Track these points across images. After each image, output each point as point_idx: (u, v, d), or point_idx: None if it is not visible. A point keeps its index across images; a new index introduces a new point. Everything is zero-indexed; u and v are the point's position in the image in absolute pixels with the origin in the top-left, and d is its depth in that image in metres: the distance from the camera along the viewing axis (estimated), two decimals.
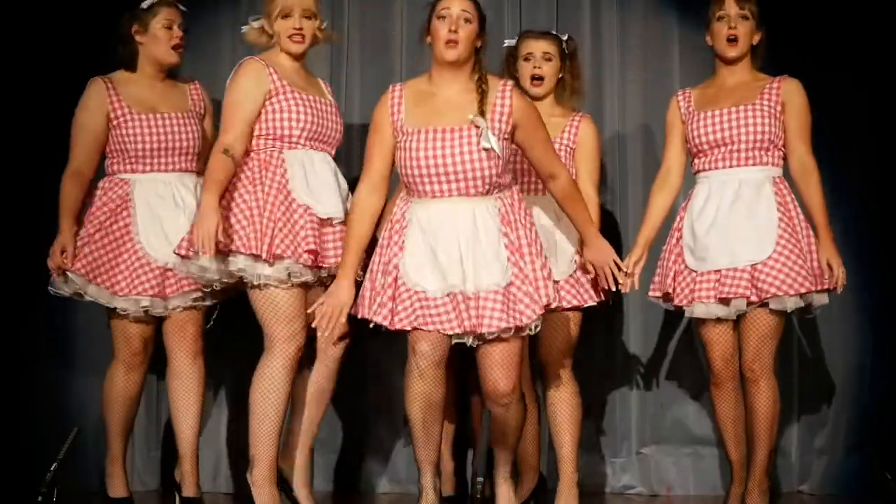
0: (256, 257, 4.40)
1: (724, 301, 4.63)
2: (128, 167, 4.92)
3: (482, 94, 4.27)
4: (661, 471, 5.62)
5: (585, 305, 4.80)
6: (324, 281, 4.55)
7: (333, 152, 4.67)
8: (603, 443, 5.60)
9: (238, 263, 4.43)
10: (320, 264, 4.47)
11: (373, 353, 5.65)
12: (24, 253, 5.40)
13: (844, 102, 5.43)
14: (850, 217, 5.42)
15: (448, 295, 4.22)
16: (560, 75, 4.93)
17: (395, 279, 4.27)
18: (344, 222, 4.49)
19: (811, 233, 4.66)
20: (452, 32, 4.26)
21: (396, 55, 5.71)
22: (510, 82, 4.38)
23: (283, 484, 4.70)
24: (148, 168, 4.90)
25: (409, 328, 4.25)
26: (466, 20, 4.28)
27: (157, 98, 4.96)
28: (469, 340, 4.27)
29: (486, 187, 4.25)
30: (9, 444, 5.38)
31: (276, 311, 4.47)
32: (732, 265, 4.61)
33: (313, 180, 4.52)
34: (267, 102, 4.52)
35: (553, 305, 4.29)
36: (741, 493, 4.80)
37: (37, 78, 5.50)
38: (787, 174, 4.75)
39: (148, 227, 4.84)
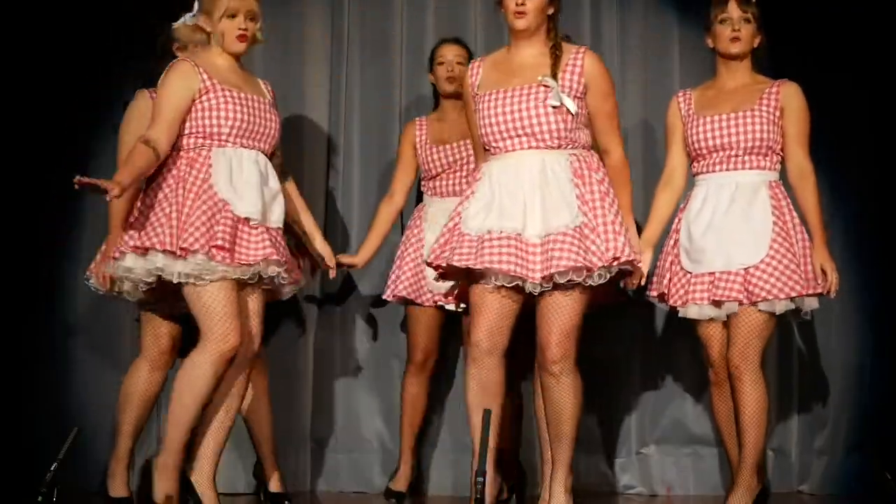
0: (171, 253, 4.37)
1: (717, 303, 4.64)
2: None
3: (556, 59, 4.39)
4: (661, 471, 5.62)
5: None
6: (265, 281, 4.50)
7: (269, 149, 4.60)
8: (603, 443, 5.60)
9: (156, 262, 4.39)
10: (236, 261, 4.41)
11: (371, 352, 5.65)
12: (25, 253, 5.41)
13: (844, 102, 5.43)
14: (850, 216, 5.43)
15: (505, 237, 4.29)
16: None
17: (456, 224, 4.41)
18: (260, 224, 4.45)
19: (806, 237, 4.66)
20: (520, 4, 4.39)
21: (396, 55, 5.71)
22: (585, 46, 4.51)
23: (189, 489, 4.59)
24: None
25: (456, 262, 4.32)
26: None
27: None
28: (530, 286, 4.29)
29: (557, 141, 4.37)
30: (9, 444, 5.38)
31: (208, 309, 4.41)
32: (726, 268, 4.62)
33: (237, 178, 4.47)
34: (196, 101, 4.48)
35: (623, 259, 4.32)
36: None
37: (38, 79, 5.49)
38: (783, 177, 4.74)
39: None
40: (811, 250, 4.63)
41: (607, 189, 4.40)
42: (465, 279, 4.46)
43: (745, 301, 4.59)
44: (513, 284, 4.32)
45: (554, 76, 4.37)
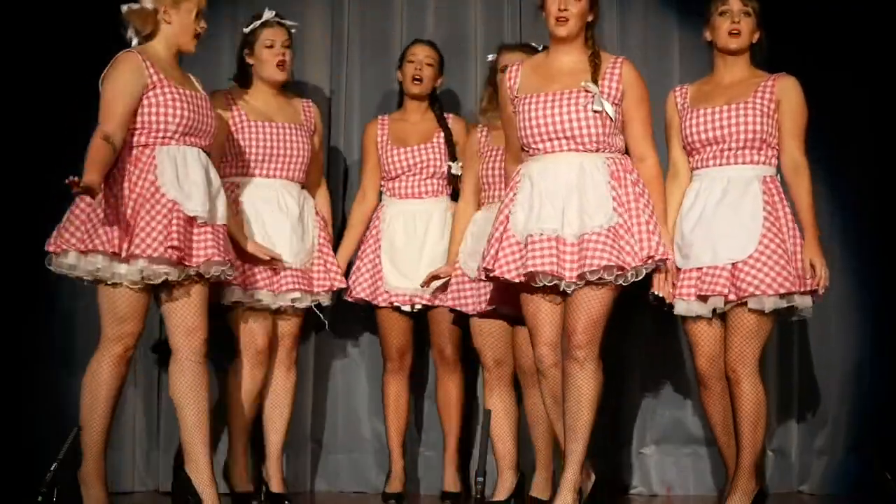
0: (115, 255, 4.44)
1: (704, 298, 4.59)
2: (236, 171, 5.06)
3: (595, 66, 4.54)
4: (661, 471, 5.62)
5: None
6: (195, 279, 4.58)
7: (209, 146, 4.68)
8: (603, 443, 5.59)
9: (97, 262, 4.46)
10: (185, 262, 4.49)
11: (370, 353, 5.65)
12: (25, 252, 5.41)
13: (844, 100, 5.42)
14: (849, 215, 5.42)
15: (545, 239, 4.44)
16: None
17: (505, 229, 4.53)
18: (207, 223, 4.53)
19: (799, 233, 4.61)
20: (562, 11, 4.51)
21: (396, 55, 5.70)
22: (623, 57, 4.65)
23: (189, 488, 4.67)
24: (257, 172, 5.07)
25: (512, 277, 4.49)
26: None
27: (273, 110, 5.13)
28: (564, 285, 4.46)
29: (595, 145, 4.52)
30: (9, 444, 5.38)
31: (112, 309, 4.51)
32: (714, 263, 4.57)
33: (183, 177, 4.52)
34: (144, 97, 4.51)
35: (657, 258, 4.46)
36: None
37: (38, 79, 5.49)
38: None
39: (251, 228, 5.00)
40: (802, 246, 4.60)
41: (642, 190, 4.52)
42: (509, 284, 4.58)
43: (732, 296, 4.54)
44: (553, 283, 4.46)
45: (595, 82, 4.50)
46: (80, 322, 5.52)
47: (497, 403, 5.06)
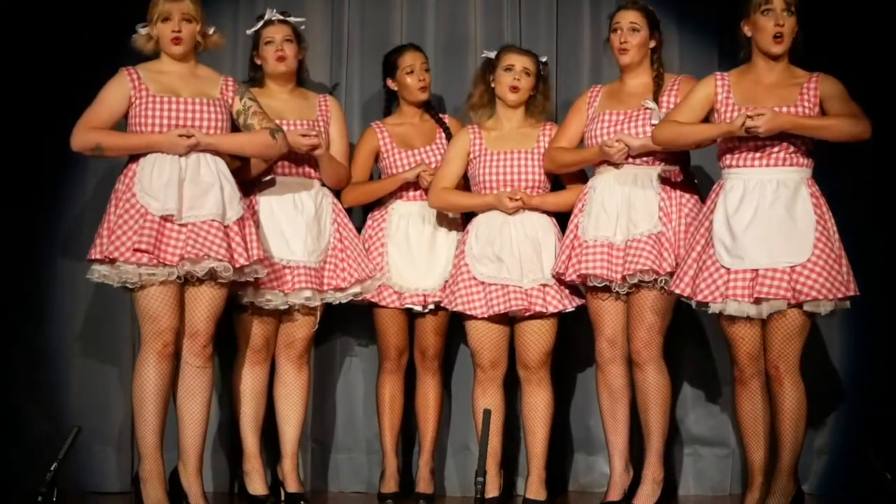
0: (105, 262, 4.61)
1: (758, 300, 4.57)
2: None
3: (658, 87, 5.01)
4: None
5: (567, 310, 5.08)
6: (209, 281, 4.68)
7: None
8: (602, 443, 5.59)
9: (101, 270, 4.65)
10: (162, 261, 4.57)
11: (371, 353, 5.64)
12: (24, 251, 5.42)
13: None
14: (850, 215, 5.40)
15: (599, 245, 4.90)
16: (532, 93, 5.20)
17: (576, 236, 4.98)
18: (178, 220, 4.61)
19: (839, 237, 4.64)
20: (623, 42, 5.01)
21: None
22: (684, 76, 5.10)
23: (179, 489, 4.78)
24: (273, 171, 5.09)
25: (574, 278, 4.94)
26: (635, 30, 5.02)
27: (286, 109, 5.15)
28: (615, 286, 4.90)
29: (651, 158, 4.94)
30: (9, 444, 5.38)
31: (140, 310, 4.66)
32: (771, 265, 4.55)
33: (156, 180, 4.62)
34: (129, 109, 4.71)
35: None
36: (758, 497, 4.72)
37: (39, 80, 5.49)
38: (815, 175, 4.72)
39: (267, 225, 5.03)
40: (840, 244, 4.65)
41: (686, 201, 4.94)
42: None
43: (791, 300, 4.54)
44: (603, 285, 4.90)
45: (656, 101, 4.94)
46: (78, 321, 5.52)
47: (491, 403, 5.10)
